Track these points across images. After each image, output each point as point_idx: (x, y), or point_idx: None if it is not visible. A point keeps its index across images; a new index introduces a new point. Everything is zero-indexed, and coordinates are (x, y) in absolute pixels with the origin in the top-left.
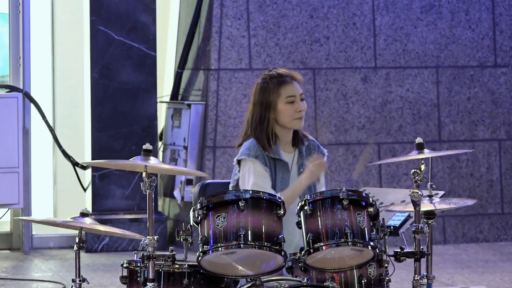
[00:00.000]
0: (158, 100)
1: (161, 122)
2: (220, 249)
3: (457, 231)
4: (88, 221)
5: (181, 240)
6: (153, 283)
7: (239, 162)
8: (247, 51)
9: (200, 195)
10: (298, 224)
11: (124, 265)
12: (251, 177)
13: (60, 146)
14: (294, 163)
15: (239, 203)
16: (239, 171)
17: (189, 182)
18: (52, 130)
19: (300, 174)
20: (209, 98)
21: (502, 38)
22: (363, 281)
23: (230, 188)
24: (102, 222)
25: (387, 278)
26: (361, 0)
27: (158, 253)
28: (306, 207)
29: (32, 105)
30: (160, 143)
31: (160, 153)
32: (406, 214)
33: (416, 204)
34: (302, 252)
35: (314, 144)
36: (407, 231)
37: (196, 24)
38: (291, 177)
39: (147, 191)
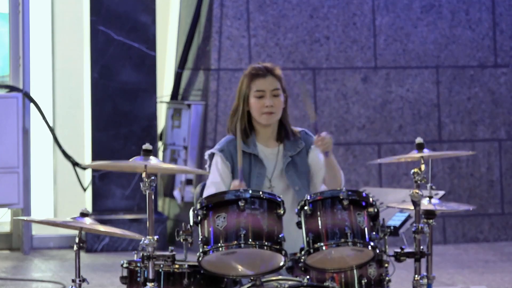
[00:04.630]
0: (158, 100)
1: (161, 122)
2: (220, 249)
3: (457, 231)
4: (88, 221)
5: (181, 240)
6: (153, 283)
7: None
8: (247, 51)
9: (201, 195)
10: (298, 224)
11: (124, 265)
12: (210, 174)
13: (60, 146)
14: (279, 158)
15: (239, 203)
16: (208, 165)
17: (189, 182)
18: (52, 130)
19: (286, 167)
20: (209, 98)
21: (502, 38)
22: (363, 281)
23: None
24: (102, 222)
25: (387, 278)
26: (361, 0)
27: (158, 253)
28: (306, 207)
29: (32, 105)
30: (160, 143)
31: (160, 153)
32: (406, 214)
33: (416, 204)
34: (302, 252)
35: (305, 138)
36: (407, 231)
37: (196, 24)
38: (271, 172)
39: (147, 191)
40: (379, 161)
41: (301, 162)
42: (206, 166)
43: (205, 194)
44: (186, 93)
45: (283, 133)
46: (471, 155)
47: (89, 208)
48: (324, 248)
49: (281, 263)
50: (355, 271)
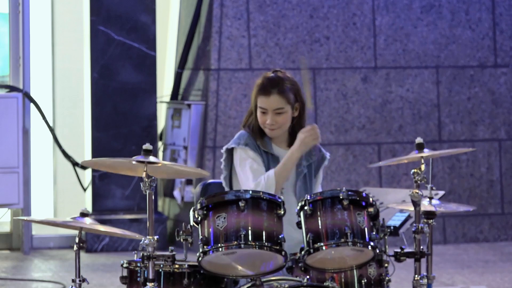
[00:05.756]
0: (158, 100)
1: (161, 122)
2: (220, 249)
3: (457, 231)
4: (88, 221)
5: (181, 240)
6: (153, 283)
7: (229, 151)
8: (247, 51)
9: (202, 195)
10: (298, 224)
11: (124, 265)
12: (247, 162)
13: (60, 146)
14: None
15: (239, 203)
16: (224, 159)
17: (189, 182)
18: (52, 130)
19: (298, 172)
20: (209, 98)
21: (502, 38)
22: (363, 281)
23: (222, 179)
24: (102, 222)
25: (387, 278)
26: (361, 0)
27: (158, 253)
28: (306, 207)
29: (32, 105)
30: (160, 143)
31: (160, 153)
32: (406, 214)
33: (416, 204)
34: (302, 252)
35: (315, 147)
36: (407, 231)
37: (196, 24)
38: None
39: (147, 191)
40: (380, 164)
41: (309, 175)
42: (222, 160)
43: (247, 184)
44: (186, 93)
45: (294, 139)
46: (471, 156)
47: (89, 208)
48: (324, 248)
49: (281, 264)
50: (355, 271)
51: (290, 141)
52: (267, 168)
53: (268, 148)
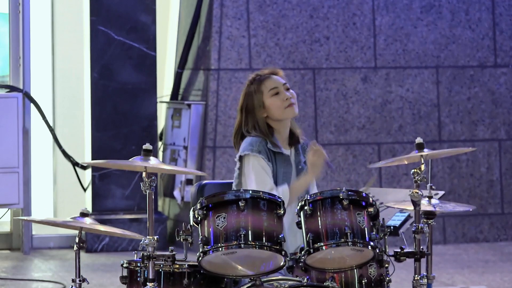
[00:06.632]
0: (158, 100)
1: (161, 122)
2: (220, 249)
3: (457, 231)
4: (88, 221)
5: (181, 240)
6: (153, 283)
7: (241, 158)
8: (247, 51)
9: (198, 195)
10: (298, 224)
11: (124, 265)
12: (253, 174)
13: (60, 146)
14: (292, 162)
15: (239, 203)
16: (239, 167)
17: (189, 182)
18: (52, 130)
19: (298, 171)
20: (209, 98)
21: (502, 38)
22: (363, 281)
23: (234, 187)
24: (102, 222)
25: (387, 278)
26: (361, 0)
27: (158, 253)
28: (306, 207)
29: (32, 105)
30: (160, 143)
31: (160, 153)
32: (406, 214)
33: (416, 204)
34: (302, 252)
35: (306, 143)
36: (407, 231)
37: (196, 24)
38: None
39: (147, 191)
40: (380, 164)
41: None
42: (237, 168)
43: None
44: (186, 93)
45: (294, 137)
46: (471, 156)
47: (89, 208)
48: (324, 248)
49: (281, 264)
50: (355, 271)
51: (290, 141)
52: (275, 169)
53: (279, 148)
